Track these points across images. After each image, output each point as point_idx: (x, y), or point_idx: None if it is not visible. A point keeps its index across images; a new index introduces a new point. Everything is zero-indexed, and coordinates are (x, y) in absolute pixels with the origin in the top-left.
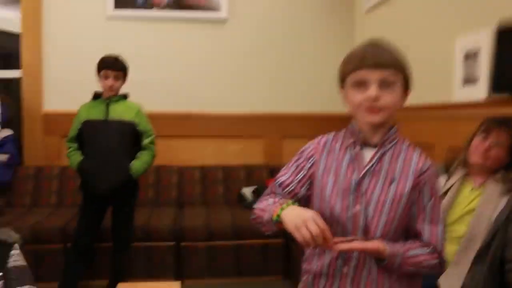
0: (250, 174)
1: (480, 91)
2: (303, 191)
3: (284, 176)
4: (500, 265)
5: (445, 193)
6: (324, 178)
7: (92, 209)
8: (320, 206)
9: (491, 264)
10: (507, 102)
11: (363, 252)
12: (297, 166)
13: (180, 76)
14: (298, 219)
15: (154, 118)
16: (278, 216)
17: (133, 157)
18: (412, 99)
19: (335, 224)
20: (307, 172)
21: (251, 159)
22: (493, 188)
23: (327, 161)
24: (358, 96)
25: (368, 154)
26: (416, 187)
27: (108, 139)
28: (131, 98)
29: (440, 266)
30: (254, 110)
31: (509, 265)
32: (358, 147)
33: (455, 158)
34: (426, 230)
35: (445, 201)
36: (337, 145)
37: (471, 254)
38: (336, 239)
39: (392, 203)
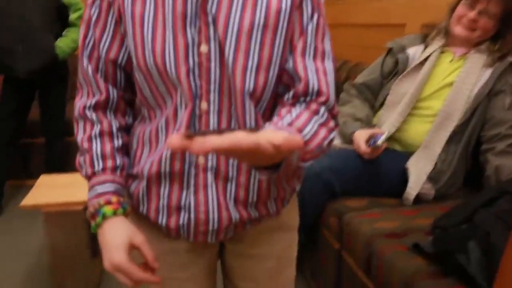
0: None
1: None
2: (122, 53)
3: (87, 35)
4: (475, 146)
5: (421, 64)
6: (137, 6)
7: (13, 95)
8: (138, 60)
9: (467, 144)
10: None
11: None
12: (97, 7)
13: None
14: (107, 262)
15: None
16: (97, 225)
17: (58, 35)
18: None
19: (169, 87)
20: (111, 8)
21: None
22: (476, 59)
23: None
24: None
25: None
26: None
27: (25, 12)
28: None
29: (336, 128)
30: None
31: (486, 145)
32: None
33: (434, 29)
34: (309, 70)
35: (421, 73)
36: None
37: (446, 134)
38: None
39: (264, 30)
